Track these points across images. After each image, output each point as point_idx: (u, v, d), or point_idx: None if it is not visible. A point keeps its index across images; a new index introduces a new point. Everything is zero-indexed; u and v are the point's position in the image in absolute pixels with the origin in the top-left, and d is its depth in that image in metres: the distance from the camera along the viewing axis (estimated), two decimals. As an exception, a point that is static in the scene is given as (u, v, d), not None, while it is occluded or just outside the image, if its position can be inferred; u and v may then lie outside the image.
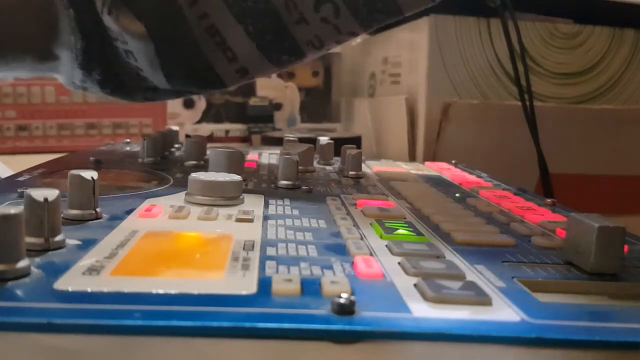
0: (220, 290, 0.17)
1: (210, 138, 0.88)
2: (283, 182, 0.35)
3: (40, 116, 0.76)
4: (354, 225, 0.26)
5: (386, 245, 0.23)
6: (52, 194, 0.20)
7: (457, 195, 0.36)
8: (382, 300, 0.17)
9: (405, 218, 0.28)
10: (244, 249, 0.21)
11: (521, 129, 0.58)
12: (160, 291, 0.17)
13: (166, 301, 0.16)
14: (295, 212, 0.28)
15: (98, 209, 0.25)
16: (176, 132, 0.55)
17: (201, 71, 0.37)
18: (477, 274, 0.20)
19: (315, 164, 0.45)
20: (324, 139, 0.50)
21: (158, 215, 0.26)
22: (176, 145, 0.52)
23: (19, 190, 0.29)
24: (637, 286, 0.20)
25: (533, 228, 0.28)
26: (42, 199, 0.20)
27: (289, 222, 0.26)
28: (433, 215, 0.29)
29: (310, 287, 0.17)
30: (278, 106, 0.96)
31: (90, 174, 0.24)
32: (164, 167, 0.41)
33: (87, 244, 0.21)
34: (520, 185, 0.41)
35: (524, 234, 0.26)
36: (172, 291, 0.17)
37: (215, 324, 0.15)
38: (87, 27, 0.35)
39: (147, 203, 0.28)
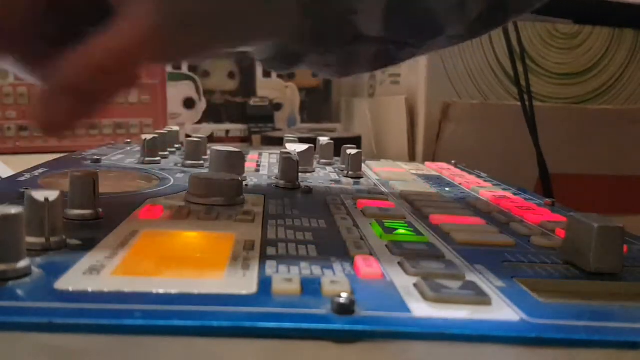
0: (220, 290, 0.17)
1: (211, 138, 0.88)
2: (283, 182, 0.35)
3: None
4: (354, 225, 0.26)
5: (386, 245, 0.23)
6: (52, 194, 0.20)
7: (447, 189, 0.36)
8: (382, 300, 0.17)
9: (405, 218, 0.28)
10: (244, 248, 0.21)
11: (521, 129, 0.58)
12: (161, 291, 0.17)
13: (166, 301, 0.16)
14: (295, 212, 0.29)
15: (99, 209, 0.25)
16: (176, 132, 0.55)
17: (420, 10, 0.31)
18: (476, 274, 0.20)
19: (315, 164, 0.45)
20: (324, 139, 0.50)
21: (158, 215, 0.26)
22: (176, 145, 0.52)
23: (19, 190, 0.29)
24: (636, 286, 0.20)
25: (533, 228, 0.28)
26: (42, 199, 0.20)
27: (289, 222, 0.26)
28: (433, 215, 0.29)
29: (310, 287, 0.18)
30: (278, 106, 0.96)
31: (90, 174, 0.24)
32: (164, 167, 0.41)
33: (87, 244, 0.21)
34: (520, 185, 0.41)
35: (523, 234, 0.26)
36: (173, 291, 0.17)
37: (215, 323, 0.15)
38: None
39: (147, 203, 0.28)
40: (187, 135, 0.67)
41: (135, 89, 0.30)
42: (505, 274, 0.20)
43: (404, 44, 0.33)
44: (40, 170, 0.37)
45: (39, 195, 0.20)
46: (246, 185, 0.35)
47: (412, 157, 0.67)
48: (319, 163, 0.47)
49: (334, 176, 0.42)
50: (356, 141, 0.72)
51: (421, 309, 0.16)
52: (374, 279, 0.19)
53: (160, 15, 0.25)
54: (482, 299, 0.17)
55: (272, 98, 0.96)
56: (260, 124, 0.94)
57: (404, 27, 0.32)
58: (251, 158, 0.48)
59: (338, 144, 0.48)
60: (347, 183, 0.39)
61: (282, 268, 0.19)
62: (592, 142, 0.67)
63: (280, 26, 0.30)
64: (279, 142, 0.55)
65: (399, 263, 0.21)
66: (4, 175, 0.41)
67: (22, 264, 0.17)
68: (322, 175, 0.42)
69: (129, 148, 0.52)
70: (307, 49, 0.32)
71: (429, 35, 0.33)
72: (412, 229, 0.26)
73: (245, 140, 0.93)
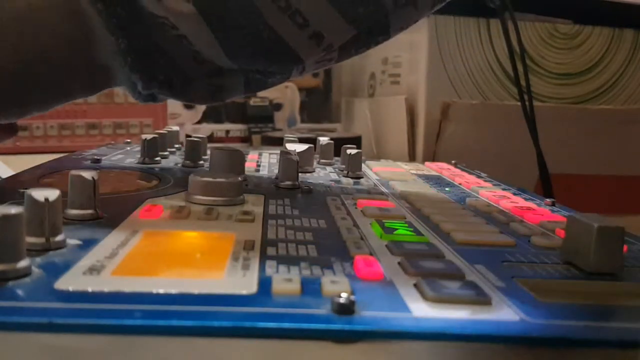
0: (220, 290, 0.17)
1: (211, 138, 0.89)
2: (283, 182, 0.35)
3: (40, 116, 0.75)
4: (354, 225, 0.26)
5: (386, 245, 0.23)
6: (52, 193, 0.20)
7: (447, 189, 0.36)
8: (382, 300, 0.17)
9: (405, 218, 0.28)
10: (244, 248, 0.21)
11: (521, 129, 0.58)
12: (161, 291, 0.17)
13: (166, 301, 0.16)
14: (295, 212, 0.29)
15: (99, 209, 0.25)
16: (176, 132, 0.55)
17: (267, 43, 0.31)
18: (476, 274, 0.20)
19: (315, 164, 0.45)
20: (324, 139, 0.50)
21: (158, 215, 0.26)
22: (176, 145, 0.52)
23: (19, 190, 0.29)
24: (636, 286, 0.20)
25: (532, 228, 0.28)
26: (42, 199, 0.20)
27: (289, 222, 0.26)
28: (433, 215, 0.29)
29: (310, 287, 0.18)
30: (278, 106, 0.96)
31: (90, 174, 0.24)
32: (164, 167, 0.41)
33: (87, 244, 0.21)
34: (519, 185, 0.41)
35: (523, 234, 0.26)
36: (173, 291, 0.17)
37: (215, 323, 0.15)
38: (124, 21, 0.30)
39: (147, 203, 0.28)
40: (187, 135, 0.67)
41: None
42: (505, 274, 0.20)
43: (269, 73, 0.34)
44: (40, 170, 0.37)
45: (39, 195, 0.20)
46: (246, 185, 0.35)
47: (412, 157, 0.67)
48: (319, 163, 0.47)
49: (334, 176, 0.42)
50: (356, 141, 0.72)
51: (421, 309, 0.16)
52: (374, 279, 0.19)
53: None
54: (482, 299, 0.17)
55: (272, 98, 0.96)
56: (260, 124, 0.94)
57: (258, 59, 0.32)
58: (251, 158, 0.48)
59: (338, 144, 0.48)
60: (347, 183, 0.39)
61: (282, 268, 0.19)
62: (592, 142, 0.67)
63: (108, 79, 0.33)
64: (279, 142, 0.55)
65: (399, 263, 0.21)
66: (4, 175, 0.41)
67: (22, 264, 0.17)
68: (322, 175, 0.42)
69: (129, 148, 0.52)
70: (160, 92, 0.34)
71: (290, 65, 0.33)
72: (412, 229, 0.26)
73: (245, 140, 0.93)
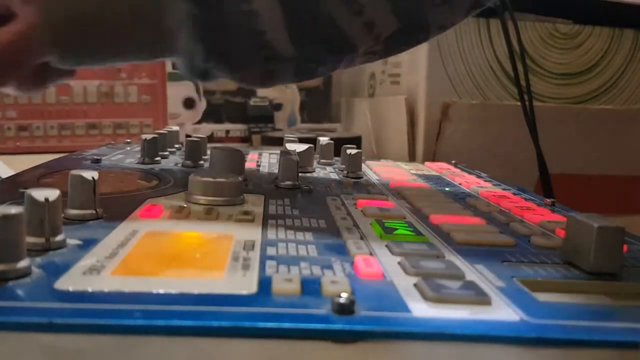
0: (220, 289, 0.17)
1: (211, 138, 0.88)
2: (283, 182, 0.35)
3: (41, 116, 0.76)
4: (354, 225, 0.26)
5: (386, 245, 0.23)
6: (52, 194, 0.20)
7: (447, 189, 0.36)
8: (382, 300, 0.17)
9: (405, 218, 0.28)
10: (244, 248, 0.21)
11: (521, 129, 0.58)
12: (161, 291, 0.17)
13: (166, 301, 0.16)
14: (295, 212, 0.29)
15: (99, 209, 0.25)
16: (176, 132, 0.55)
17: (326, 30, 0.33)
18: (476, 274, 0.20)
19: (315, 164, 0.45)
20: (324, 139, 0.50)
21: (158, 215, 0.26)
22: (176, 145, 0.52)
23: (19, 190, 0.29)
24: (636, 286, 0.20)
25: (532, 228, 0.28)
26: (42, 199, 0.20)
27: (289, 222, 0.26)
28: (433, 215, 0.29)
29: (310, 287, 0.18)
30: (278, 106, 0.96)
31: (90, 174, 0.24)
32: (164, 167, 0.41)
33: (87, 244, 0.21)
34: (520, 185, 0.41)
35: (523, 234, 0.26)
36: (173, 291, 0.17)
37: (215, 323, 0.15)
38: None
39: (147, 203, 0.28)
40: (187, 135, 0.67)
41: (30, 83, 0.35)
42: (505, 274, 0.20)
43: (321, 61, 0.35)
44: (41, 170, 0.37)
45: (39, 195, 0.20)
46: (246, 185, 0.35)
47: (412, 157, 0.67)
48: (319, 163, 0.47)
49: (334, 176, 0.42)
50: (356, 141, 0.72)
51: (421, 309, 0.16)
52: (374, 279, 0.19)
53: (44, 15, 0.31)
54: (482, 298, 0.17)
55: (272, 98, 0.96)
56: (260, 124, 0.94)
57: (316, 45, 0.34)
58: (251, 158, 0.48)
59: (338, 144, 0.48)
60: (347, 183, 0.39)
61: (282, 268, 0.19)
62: (592, 142, 0.67)
63: (169, 46, 0.33)
64: (279, 142, 0.55)
65: (399, 263, 0.21)
66: (4, 175, 0.41)
67: (22, 264, 0.17)
68: (322, 175, 0.42)
69: (129, 148, 0.52)
70: (216, 67, 0.34)
71: (342, 53, 0.35)
72: (412, 229, 0.26)
73: (245, 140, 0.93)
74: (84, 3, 0.32)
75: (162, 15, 0.32)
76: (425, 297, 0.17)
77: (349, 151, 0.43)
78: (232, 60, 0.34)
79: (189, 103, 0.90)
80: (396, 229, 0.25)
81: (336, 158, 0.48)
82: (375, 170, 0.45)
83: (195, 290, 0.17)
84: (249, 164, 0.44)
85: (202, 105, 0.90)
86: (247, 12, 0.32)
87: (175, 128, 0.55)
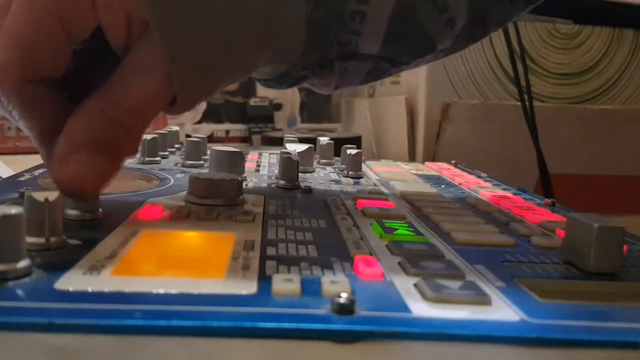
0: (220, 290, 0.17)
1: (211, 138, 0.88)
2: (283, 182, 0.35)
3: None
4: (354, 225, 0.26)
5: (386, 245, 0.23)
6: (52, 194, 0.20)
7: (442, 186, 0.36)
8: (382, 300, 0.17)
9: (405, 218, 0.28)
10: (244, 248, 0.21)
11: (521, 129, 0.58)
12: (161, 291, 0.17)
13: (166, 301, 0.16)
14: (295, 212, 0.29)
15: (99, 209, 0.25)
16: (176, 132, 0.55)
17: (415, 28, 0.30)
18: (476, 274, 0.20)
19: (315, 164, 0.45)
20: (324, 139, 0.50)
21: (158, 216, 0.26)
22: (176, 145, 0.52)
23: (19, 190, 0.29)
24: (636, 286, 0.20)
25: (533, 228, 0.28)
26: (42, 199, 0.20)
27: (289, 222, 0.26)
28: (433, 215, 0.29)
29: (310, 287, 0.18)
30: (278, 106, 0.96)
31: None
32: (164, 167, 0.41)
33: (87, 244, 0.21)
34: (520, 185, 0.41)
35: (523, 234, 0.26)
36: (173, 291, 0.17)
37: (215, 323, 0.15)
38: None
39: (147, 203, 0.28)
40: (187, 135, 0.67)
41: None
42: (505, 274, 0.20)
43: (398, 61, 0.33)
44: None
45: (39, 195, 0.20)
46: (246, 185, 0.35)
47: (412, 157, 0.67)
48: (319, 163, 0.47)
49: (334, 176, 0.42)
50: (356, 141, 0.72)
51: (421, 309, 0.16)
52: (374, 279, 0.19)
53: (171, 63, 0.23)
54: (482, 299, 0.17)
55: (272, 98, 0.96)
56: (260, 124, 0.94)
57: (401, 46, 0.32)
58: (251, 158, 0.48)
59: (338, 144, 0.48)
60: (347, 183, 0.39)
61: (282, 268, 0.19)
62: (592, 142, 0.67)
63: (284, 55, 0.29)
64: (279, 142, 0.55)
65: (399, 263, 0.21)
66: (4, 175, 0.41)
67: (22, 264, 0.17)
68: (322, 175, 0.42)
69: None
70: (309, 72, 0.31)
71: (423, 52, 0.33)
72: (412, 229, 0.26)
73: (245, 140, 0.93)
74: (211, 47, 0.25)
75: (278, 18, 0.27)
76: (425, 297, 0.17)
77: (349, 151, 0.43)
78: (325, 63, 0.31)
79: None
80: (396, 229, 0.25)
81: (336, 158, 0.48)
82: (375, 170, 0.45)
83: (195, 290, 0.17)
84: (249, 164, 0.44)
85: (202, 105, 0.90)
86: (354, 13, 0.29)
87: (175, 128, 0.55)
